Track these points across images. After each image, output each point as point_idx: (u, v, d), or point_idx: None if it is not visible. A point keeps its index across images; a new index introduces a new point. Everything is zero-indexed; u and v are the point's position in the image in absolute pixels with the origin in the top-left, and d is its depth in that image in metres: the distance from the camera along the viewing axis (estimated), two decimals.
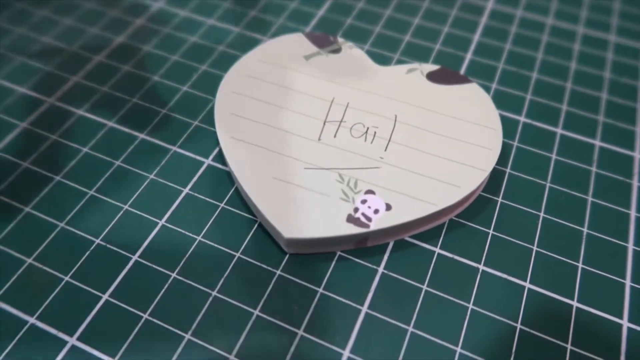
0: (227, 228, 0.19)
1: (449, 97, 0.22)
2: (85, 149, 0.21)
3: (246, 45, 0.26)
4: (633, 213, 0.20)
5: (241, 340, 0.16)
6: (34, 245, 0.18)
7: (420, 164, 0.19)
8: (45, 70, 0.24)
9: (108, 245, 0.18)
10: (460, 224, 0.19)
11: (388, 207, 0.18)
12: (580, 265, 0.18)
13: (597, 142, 0.22)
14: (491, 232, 0.19)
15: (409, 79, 0.23)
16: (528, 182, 0.21)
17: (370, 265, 0.18)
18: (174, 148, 0.21)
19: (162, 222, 0.19)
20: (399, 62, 0.25)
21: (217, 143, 0.22)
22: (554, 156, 0.22)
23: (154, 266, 0.18)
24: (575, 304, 0.18)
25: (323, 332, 0.16)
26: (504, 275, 0.18)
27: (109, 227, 0.19)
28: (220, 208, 0.19)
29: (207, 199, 0.20)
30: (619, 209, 0.20)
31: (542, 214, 0.20)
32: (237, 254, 0.18)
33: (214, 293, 0.17)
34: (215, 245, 0.18)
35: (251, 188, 0.18)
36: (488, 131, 0.20)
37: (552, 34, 0.27)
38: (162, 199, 0.20)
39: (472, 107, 0.21)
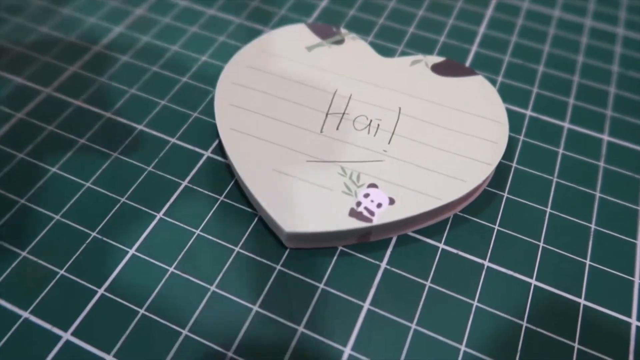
0: (226, 222, 0.18)
1: (454, 90, 0.21)
2: (82, 140, 0.21)
3: (247, 36, 0.25)
4: None
5: (240, 336, 0.16)
6: (29, 238, 0.18)
7: (425, 157, 0.19)
8: (42, 60, 0.23)
9: (104, 239, 0.18)
10: (465, 219, 0.19)
11: (391, 201, 0.18)
12: (587, 262, 0.18)
13: (605, 137, 0.22)
14: (496, 227, 0.19)
15: (413, 71, 0.22)
16: (534, 177, 0.20)
17: (372, 260, 0.18)
18: (173, 140, 0.21)
19: (160, 215, 0.18)
20: (403, 54, 0.25)
21: (217, 135, 0.21)
22: (561, 150, 0.21)
23: (151, 260, 0.17)
24: (582, 301, 0.17)
25: (324, 328, 0.16)
26: (510, 272, 0.18)
27: (105, 220, 0.18)
28: (219, 201, 0.19)
29: (206, 192, 0.19)
30: (628, 205, 0.20)
31: (548, 210, 0.19)
32: (237, 249, 0.18)
33: (213, 288, 0.17)
34: (214, 239, 0.18)
35: (251, 181, 0.18)
36: (494, 124, 0.20)
37: (558, 27, 0.27)
38: (160, 192, 0.19)
39: (478, 99, 0.21)
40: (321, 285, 0.17)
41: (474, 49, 0.26)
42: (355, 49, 0.23)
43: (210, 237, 0.18)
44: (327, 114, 0.20)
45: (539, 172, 0.21)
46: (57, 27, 0.25)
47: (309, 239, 0.17)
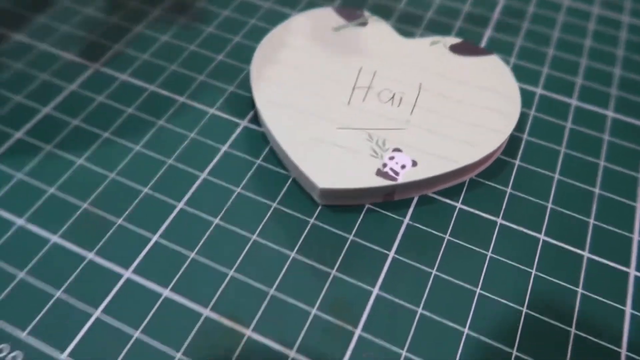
0: (263, 182, 0.20)
1: (470, 67, 0.23)
2: (129, 110, 0.23)
3: (276, 19, 0.27)
4: None
5: (279, 278, 0.18)
6: (89, 191, 0.20)
7: (444, 126, 0.21)
8: (90, 38, 0.26)
9: (155, 194, 0.20)
10: (480, 182, 0.21)
11: (414, 163, 0.20)
12: (591, 221, 0.20)
13: (610, 113, 0.24)
14: (509, 190, 0.21)
15: (432, 51, 0.24)
16: (544, 148, 0.22)
17: (396, 216, 0.20)
18: (212, 110, 0.23)
19: (204, 175, 0.21)
20: (422, 36, 0.27)
21: (252, 107, 0.23)
22: (568, 125, 0.23)
23: (198, 213, 0.19)
24: (586, 254, 0.19)
25: (354, 272, 0.18)
26: (521, 228, 0.20)
27: (155, 179, 0.20)
28: (256, 164, 0.21)
29: (244, 155, 0.21)
30: (629, 172, 0.21)
31: (556, 176, 0.21)
32: (274, 204, 0.20)
33: (254, 237, 0.19)
34: (253, 196, 0.20)
35: (287, 144, 0.20)
36: (507, 98, 0.22)
37: (568, 14, 0.29)
38: (202, 155, 0.21)
39: (492, 76, 0.23)
40: (351, 237, 0.19)
41: (488, 33, 0.27)
42: (379, 30, 0.25)
43: (250, 194, 0.20)
44: (353, 88, 0.22)
45: (548, 143, 0.22)
46: (100, 9, 0.27)
47: (340, 196, 0.19)
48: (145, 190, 0.20)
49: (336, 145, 0.20)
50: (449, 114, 0.21)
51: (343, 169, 0.19)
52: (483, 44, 0.27)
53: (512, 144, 0.22)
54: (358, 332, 0.17)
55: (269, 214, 0.19)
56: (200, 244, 0.19)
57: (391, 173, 0.19)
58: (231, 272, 0.18)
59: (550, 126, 0.23)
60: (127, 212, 0.19)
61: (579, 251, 0.19)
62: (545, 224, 0.20)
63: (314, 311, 0.17)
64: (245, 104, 0.23)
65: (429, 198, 0.20)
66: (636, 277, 0.18)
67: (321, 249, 0.19)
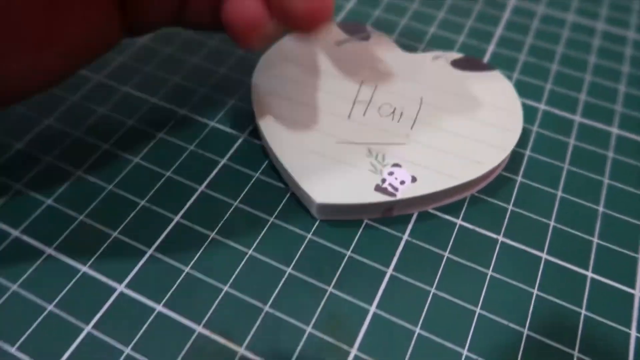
0: (261, 196, 0.20)
1: (472, 83, 0.23)
2: (129, 122, 0.23)
3: None
4: None
5: (275, 293, 0.17)
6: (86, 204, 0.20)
7: (445, 141, 0.21)
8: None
9: (152, 207, 0.20)
10: (481, 199, 0.21)
11: (413, 179, 0.19)
12: (595, 240, 0.19)
13: (615, 130, 0.23)
14: (510, 207, 0.20)
15: (434, 65, 0.24)
16: (547, 164, 0.22)
17: (395, 232, 0.19)
18: (212, 123, 0.23)
19: (202, 188, 0.20)
20: (425, 51, 0.27)
21: (252, 120, 0.23)
22: (572, 141, 0.23)
23: (194, 226, 0.19)
24: (590, 274, 0.19)
25: (351, 289, 0.18)
26: (522, 246, 0.19)
27: (153, 191, 0.20)
28: (254, 178, 0.21)
29: (243, 169, 0.21)
30: (634, 191, 0.21)
31: (559, 193, 0.21)
32: (271, 219, 0.20)
33: (250, 252, 0.19)
34: (251, 210, 0.20)
35: (285, 158, 0.20)
36: (509, 114, 0.22)
37: (572, 30, 0.29)
38: (201, 168, 0.21)
39: (495, 92, 0.23)
40: (348, 253, 0.19)
41: (491, 48, 0.27)
42: (381, 44, 0.25)
43: (247, 208, 0.20)
44: (354, 102, 0.22)
45: (551, 159, 0.22)
46: None
47: (337, 211, 0.19)
48: (142, 203, 0.20)
49: (335, 159, 0.20)
50: (450, 129, 0.21)
51: (341, 183, 0.19)
52: (486, 59, 0.27)
53: (514, 160, 0.22)
54: (354, 351, 0.16)
55: (266, 229, 0.19)
56: (196, 258, 0.18)
57: (390, 189, 0.19)
58: (226, 288, 0.18)
59: (553, 142, 0.23)
60: (122, 225, 0.19)
61: (582, 271, 0.19)
62: (548, 242, 0.19)
63: (309, 329, 0.17)
64: (246, 117, 0.23)
65: (429, 214, 0.20)
66: None
67: (318, 264, 0.18)
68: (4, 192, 0.20)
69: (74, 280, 0.18)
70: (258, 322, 0.17)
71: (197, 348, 0.16)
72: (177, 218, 0.19)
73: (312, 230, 0.19)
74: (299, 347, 0.16)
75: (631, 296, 0.18)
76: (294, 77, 0.23)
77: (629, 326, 0.17)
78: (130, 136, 0.22)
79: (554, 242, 0.19)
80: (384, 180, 0.19)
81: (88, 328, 0.17)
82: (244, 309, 0.17)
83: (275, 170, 0.21)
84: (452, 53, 0.24)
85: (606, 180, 0.21)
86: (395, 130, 0.21)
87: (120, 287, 0.17)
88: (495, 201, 0.21)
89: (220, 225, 0.19)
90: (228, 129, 0.23)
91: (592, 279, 0.18)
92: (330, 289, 0.18)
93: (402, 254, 0.19)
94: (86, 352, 0.16)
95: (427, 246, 0.19)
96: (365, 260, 0.19)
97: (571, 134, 0.23)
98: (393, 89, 0.23)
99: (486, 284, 0.18)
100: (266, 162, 0.21)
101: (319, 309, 0.17)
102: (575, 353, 0.17)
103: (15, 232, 0.19)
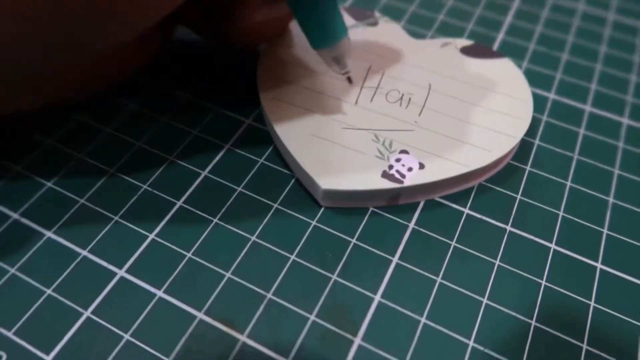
0: (265, 182, 0.20)
1: (481, 70, 0.22)
2: (131, 107, 0.22)
3: None
4: None
5: (278, 280, 0.17)
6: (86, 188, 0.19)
7: (453, 129, 0.20)
8: None
9: (155, 191, 0.19)
10: (489, 188, 0.20)
11: (421, 166, 0.19)
12: (605, 231, 0.19)
13: (625, 120, 0.23)
14: (519, 196, 0.20)
15: (443, 52, 0.23)
16: (556, 154, 0.21)
17: (401, 221, 0.19)
18: (217, 108, 0.22)
19: (205, 173, 0.20)
20: (433, 38, 0.26)
21: (257, 105, 0.23)
22: (582, 131, 0.22)
23: (196, 211, 0.19)
24: (599, 265, 0.18)
25: (356, 278, 0.17)
26: (531, 236, 0.19)
27: (155, 176, 0.20)
28: (259, 163, 0.20)
29: (247, 154, 0.21)
30: None
31: (569, 183, 0.20)
32: (275, 205, 0.19)
33: (253, 238, 0.18)
34: (254, 195, 0.19)
35: (290, 143, 0.19)
36: (519, 102, 0.21)
37: (583, 19, 0.28)
38: (204, 153, 0.21)
39: (504, 80, 0.22)
40: (353, 240, 0.18)
41: (501, 36, 0.27)
42: (389, 30, 0.24)
43: (251, 194, 0.19)
44: (361, 88, 0.22)
45: (561, 149, 0.22)
46: None
47: (343, 197, 0.19)
48: (145, 187, 0.19)
49: (341, 145, 0.19)
50: (459, 116, 0.21)
51: (347, 170, 0.19)
52: (495, 47, 0.26)
53: (523, 149, 0.22)
54: (358, 341, 0.16)
55: (269, 215, 0.19)
56: (198, 243, 0.18)
57: (397, 175, 0.19)
58: (228, 274, 0.17)
59: (563, 132, 0.22)
60: (124, 209, 0.19)
61: (591, 262, 0.18)
62: (557, 232, 0.19)
63: (312, 317, 0.16)
64: (251, 102, 0.23)
65: (436, 202, 0.20)
66: None
67: (322, 252, 0.18)
68: (3, 174, 0.19)
69: (73, 264, 0.17)
70: (260, 310, 0.17)
71: (198, 335, 0.16)
72: (179, 203, 0.19)
73: (317, 217, 0.19)
74: (302, 336, 0.16)
75: None
76: (300, 62, 0.22)
77: (639, 319, 0.17)
78: (132, 120, 0.22)
79: (563, 233, 0.19)
80: (391, 167, 0.19)
81: (87, 313, 0.16)
82: (246, 296, 0.17)
83: (280, 155, 0.21)
84: (462, 40, 0.24)
85: (616, 171, 0.21)
86: (403, 117, 0.20)
87: (121, 272, 0.17)
88: (504, 190, 0.20)
89: (223, 210, 0.19)
90: (233, 114, 0.22)
91: (602, 271, 0.18)
92: (334, 277, 0.17)
93: (408, 243, 0.18)
94: (85, 337, 0.16)
95: (433, 235, 0.19)
96: (370, 248, 0.18)
97: (581, 123, 0.23)
98: (401, 75, 0.22)
99: (493, 274, 0.18)
100: (271, 148, 0.21)
101: (323, 297, 0.17)
102: (584, 345, 0.16)
103: (14, 215, 0.18)
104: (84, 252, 0.18)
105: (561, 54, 0.26)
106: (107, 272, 0.17)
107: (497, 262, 0.18)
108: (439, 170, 0.19)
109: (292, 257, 0.18)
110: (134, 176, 0.20)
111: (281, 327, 0.16)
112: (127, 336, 0.16)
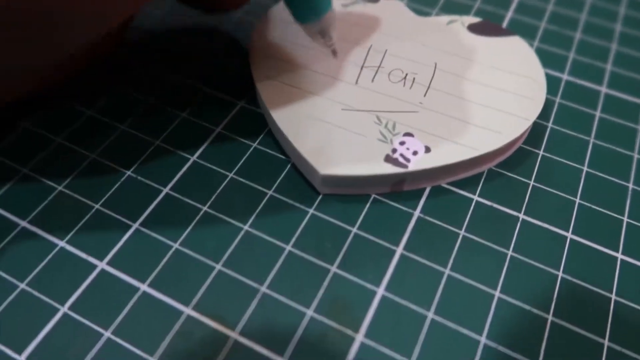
0: (259, 167, 0.18)
1: (490, 48, 0.21)
2: (118, 87, 0.21)
3: None
4: None
5: (273, 273, 0.16)
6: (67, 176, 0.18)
7: (461, 110, 0.19)
8: None
9: (139, 178, 0.18)
10: (499, 173, 0.19)
11: (427, 149, 0.17)
12: (625, 219, 0.18)
13: None
14: (532, 182, 0.19)
15: (449, 30, 0.22)
16: (571, 137, 0.20)
17: (405, 208, 0.18)
18: (207, 89, 0.21)
19: (194, 158, 0.19)
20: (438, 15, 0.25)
21: (251, 86, 0.21)
22: (598, 113, 0.21)
23: (184, 199, 0.17)
24: (619, 255, 0.17)
25: (357, 269, 0.16)
26: (546, 225, 0.17)
27: (140, 160, 0.18)
28: (252, 148, 0.19)
29: (239, 138, 0.19)
30: None
31: (585, 168, 0.19)
32: (270, 192, 0.18)
33: (246, 227, 0.17)
34: (247, 182, 0.18)
35: (286, 126, 0.18)
36: (531, 82, 0.20)
37: None
38: (194, 136, 0.19)
39: (515, 58, 0.21)
40: (354, 229, 0.17)
41: (510, 15, 0.25)
42: (391, 7, 0.23)
43: (243, 180, 0.18)
44: (362, 67, 0.20)
45: (576, 132, 0.20)
46: None
47: (343, 183, 0.17)
48: (128, 173, 0.18)
49: (341, 127, 0.18)
50: (467, 97, 0.19)
51: (347, 153, 0.17)
52: (504, 26, 0.25)
53: (535, 132, 0.20)
54: (360, 338, 0.15)
55: (263, 202, 0.17)
56: (185, 233, 0.17)
57: (401, 160, 0.17)
58: (218, 266, 0.16)
59: (577, 114, 0.21)
60: (105, 197, 0.17)
61: (611, 252, 0.17)
62: (573, 220, 0.18)
63: (310, 313, 0.15)
64: (244, 83, 0.21)
65: (443, 189, 0.18)
66: None
67: (321, 242, 0.17)
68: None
69: (49, 256, 0.16)
70: (253, 305, 0.15)
71: (185, 332, 0.15)
72: (166, 190, 0.18)
73: (315, 204, 0.17)
74: (299, 333, 0.15)
75: None
76: (296, 40, 0.21)
77: None
78: (116, 102, 0.20)
79: (580, 221, 0.18)
80: (394, 151, 0.17)
81: (64, 309, 0.15)
82: (238, 290, 0.15)
83: (275, 139, 0.19)
84: (469, 17, 0.22)
85: (636, 155, 0.20)
86: (407, 97, 0.19)
87: (101, 264, 0.16)
88: (515, 176, 0.19)
89: (213, 198, 0.17)
90: (224, 95, 0.21)
91: (623, 261, 0.17)
92: (333, 268, 0.16)
93: (413, 232, 0.17)
94: (61, 335, 0.14)
95: (440, 223, 0.17)
96: (372, 237, 0.17)
97: (597, 105, 0.21)
98: (404, 54, 0.21)
99: (506, 265, 0.16)
100: (265, 131, 0.20)
101: (322, 291, 0.16)
102: (606, 342, 0.15)
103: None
104: (61, 243, 0.16)
105: (574, 33, 0.24)
106: (86, 264, 0.16)
107: (510, 253, 0.17)
108: (446, 154, 0.17)
109: (288, 247, 0.16)
110: (117, 161, 0.18)
111: (276, 324, 0.15)
112: (107, 334, 0.14)
